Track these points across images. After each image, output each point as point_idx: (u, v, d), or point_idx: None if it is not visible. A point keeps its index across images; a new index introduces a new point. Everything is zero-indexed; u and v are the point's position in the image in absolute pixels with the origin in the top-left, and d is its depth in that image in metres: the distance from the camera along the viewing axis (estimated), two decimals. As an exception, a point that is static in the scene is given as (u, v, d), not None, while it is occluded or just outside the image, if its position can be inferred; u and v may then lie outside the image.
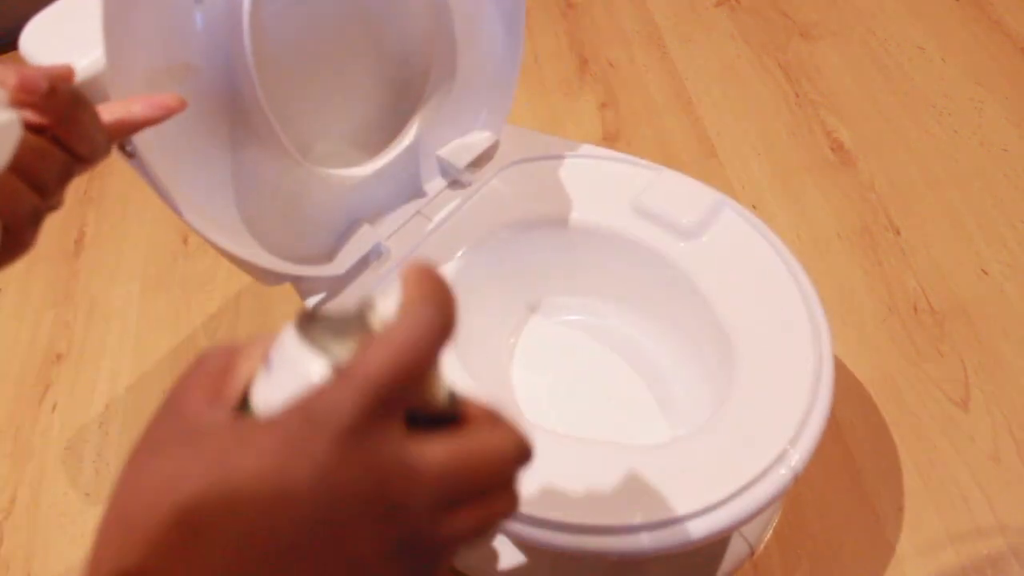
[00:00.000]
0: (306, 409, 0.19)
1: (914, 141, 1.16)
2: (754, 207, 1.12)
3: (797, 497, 0.84)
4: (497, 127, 0.74)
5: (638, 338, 0.76)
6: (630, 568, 0.78)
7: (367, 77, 0.65)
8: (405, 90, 0.68)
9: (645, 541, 0.50)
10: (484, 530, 0.22)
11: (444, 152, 0.73)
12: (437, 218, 0.71)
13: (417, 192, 0.73)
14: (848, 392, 0.92)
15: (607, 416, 0.72)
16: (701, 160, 1.20)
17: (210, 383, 0.22)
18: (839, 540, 0.82)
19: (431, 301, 0.21)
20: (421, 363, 0.20)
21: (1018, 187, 1.08)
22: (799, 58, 1.32)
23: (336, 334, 0.21)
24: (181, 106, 0.35)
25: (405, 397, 0.20)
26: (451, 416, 0.22)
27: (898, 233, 1.06)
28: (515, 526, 0.52)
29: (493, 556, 0.78)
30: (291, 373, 0.21)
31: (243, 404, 0.22)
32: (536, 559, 0.77)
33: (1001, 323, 0.95)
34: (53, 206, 0.32)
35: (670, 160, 1.21)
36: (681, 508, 0.50)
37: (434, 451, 0.20)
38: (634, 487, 0.52)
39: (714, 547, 0.77)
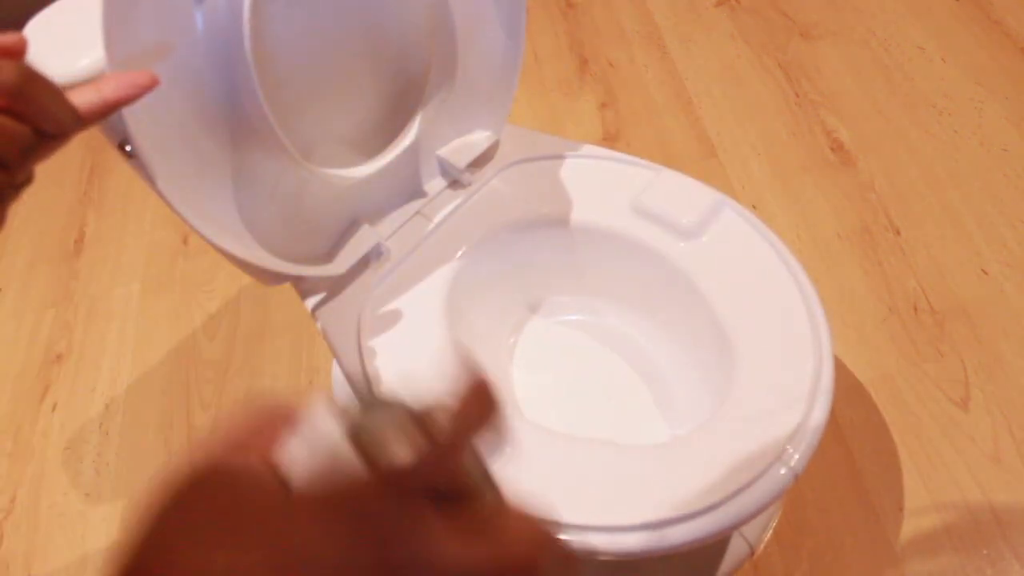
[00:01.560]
0: (354, 507, 0.19)
1: (914, 141, 1.16)
2: (754, 207, 1.12)
3: (797, 497, 0.84)
4: (497, 127, 0.74)
5: (638, 338, 0.76)
6: (630, 568, 0.78)
7: (368, 77, 0.65)
8: (406, 90, 0.68)
9: (645, 541, 0.50)
10: None
11: (444, 152, 0.73)
12: (437, 218, 0.71)
13: (417, 192, 0.73)
14: (848, 392, 0.92)
15: (607, 416, 0.72)
16: (701, 160, 1.20)
17: (252, 452, 0.22)
18: (839, 540, 0.82)
19: (472, 399, 0.21)
20: (455, 462, 0.21)
21: (1018, 187, 1.08)
22: (799, 58, 1.32)
23: (370, 410, 0.21)
24: (153, 83, 0.34)
25: (440, 487, 0.20)
26: (490, 516, 0.22)
27: (898, 233, 1.06)
28: (515, 526, 0.52)
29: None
30: (323, 445, 0.21)
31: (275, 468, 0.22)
32: (536, 559, 0.77)
33: (1001, 323, 0.95)
34: (22, 182, 0.32)
35: (670, 160, 1.21)
36: (681, 508, 0.50)
37: (462, 543, 0.20)
38: (634, 487, 0.52)
39: (714, 547, 0.77)
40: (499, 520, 0.22)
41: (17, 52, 0.31)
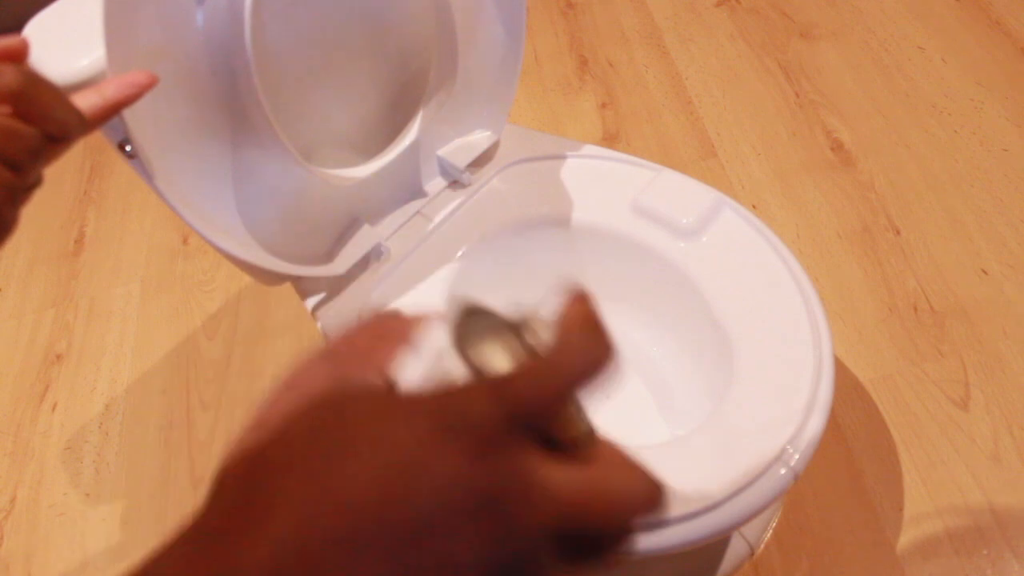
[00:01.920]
0: (442, 404, 0.19)
1: (914, 141, 1.16)
2: (754, 207, 1.12)
3: (797, 497, 0.84)
4: (498, 127, 0.74)
5: (638, 338, 0.76)
6: (630, 568, 0.78)
7: (368, 78, 0.65)
8: (406, 90, 0.68)
9: (645, 541, 0.50)
10: (589, 568, 0.21)
11: (444, 152, 0.73)
12: (437, 218, 0.71)
13: (417, 192, 0.73)
14: (848, 392, 0.92)
15: (607, 416, 0.72)
16: (701, 160, 1.20)
17: (368, 365, 0.22)
18: (839, 540, 0.82)
19: (592, 335, 0.21)
20: (569, 392, 0.20)
21: (1018, 187, 1.08)
22: (799, 58, 1.32)
23: (489, 332, 0.21)
24: (152, 81, 0.35)
25: (547, 421, 0.20)
26: (584, 448, 0.22)
27: (898, 233, 1.06)
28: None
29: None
30: (437, 364, 0.21)
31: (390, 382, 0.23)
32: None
33: (1001, 323, 0.95)
34: (31, 184, 0.32)
35: (670, 160, 1.21)
36: (681, 508, 0.50)
37: (561, 479, 0.20)
38: (634, 487, 0.52)
39: (714, 547, 0.77)
40: (597, 452, 0.22)
41: (19, 55, 0.31)
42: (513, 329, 0.22)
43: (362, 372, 0.22)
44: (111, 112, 0.34)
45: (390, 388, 0.21)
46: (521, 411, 0.19)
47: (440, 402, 0.19)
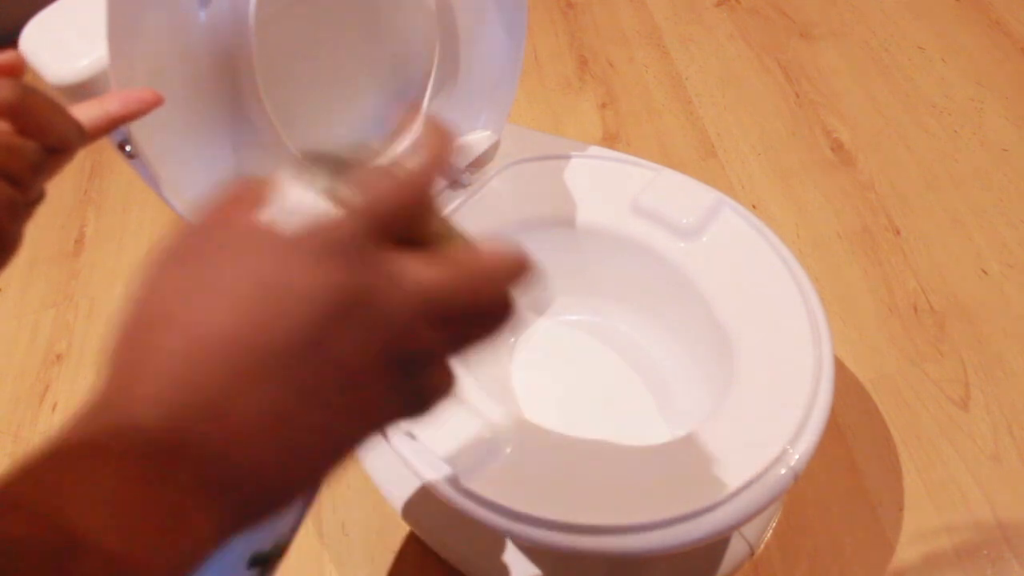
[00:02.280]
0: (311, 233, 0.20)
1: (914, 141, 1.16)
2: (754, 207, 1.12)
3: (797, 497, 0.84)
4: (498, 127, 0.74)
5: (638, 338, 0.76)
6: (630, 568, 0.78)
7: (369, 78, 0.65)
8: (407, 91, 0.68)
9: (645, 541, 0.50)
10: (476, 343, 0.23)
11: (444, 152, 0.73)
12: (437, 218, 0.71)
13: (417, 192, 0.73)
14: (848, 392, 0.92)
15: (607, 416, 0.72)
16: (701, 160, 1.20)
17: (246, 206, 0.23)
18: (839, 540, 0.82)
19: (430, 148, 0.23)
20: (418, 198, 0.22)
21: (1018, 187, 1.08)
22: (799, 58, 1.32)
23: (341, 167, 0.22)
24: (157, 100, 0.35)
25: (405, 227, 0.22)
26: (451, 245, 0.23)
27: (898, 233, 1.06)
28: (515, 526, 0.52)
29: (493, 556, 0.78)
30: (301, 206, 0.22)
31: None
32: (536, 559, 0.77)
33: (1001, 323, 0.95)
34: (34, 200, 0.32)
35: (670, 160, 1.21)
36: (681, 508, 0.50)
37: (425, 266, 0.21)
38: (634, 487, 0.52)
39: (714, 547, 0.77)
40: (470, 253, 0.23)
41: (16, 70, 0.31)
42: (362, 160, 0.23)
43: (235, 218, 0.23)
44: (112, 125, 0.34)
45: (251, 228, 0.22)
46: (377, 221, 0.21)
47: (301, 229, 0.20)
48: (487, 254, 0.23)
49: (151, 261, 0.21)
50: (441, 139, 0.24)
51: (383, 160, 0.23)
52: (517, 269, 0.23)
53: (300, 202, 0.21)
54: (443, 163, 0.23)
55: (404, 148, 0.23)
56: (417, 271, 0.21)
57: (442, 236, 0.23)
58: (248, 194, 0.22)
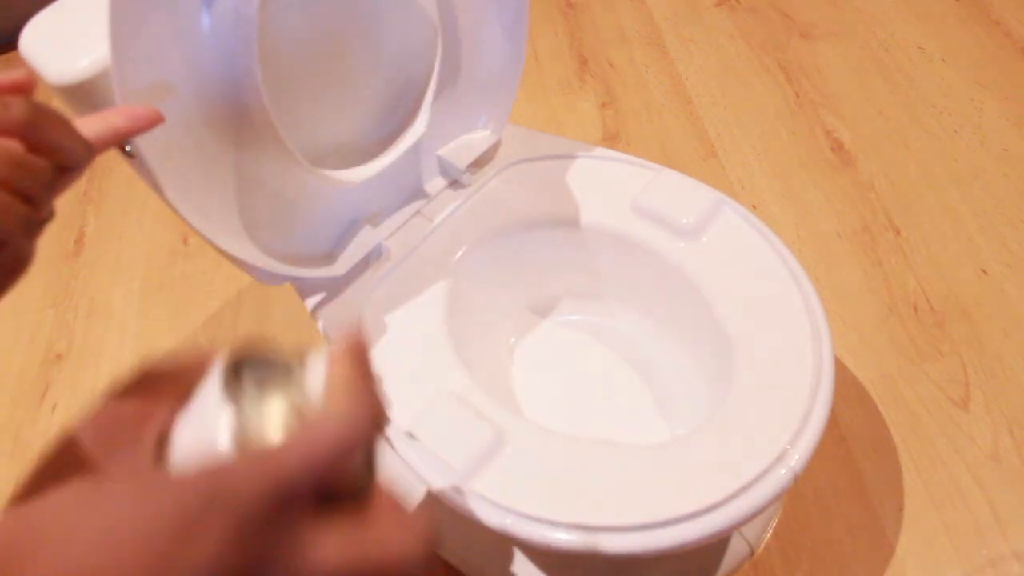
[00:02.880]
0: (211, 485, 0.19)
1: (914, 141, 1.16)
2: (754, 207, 1.12)
3: (797, 497, 0.84)
4: (498, 127, 0.74)
5: (638, 338, 0.76)
6: (630, 568, 0.78)
7: (370, 79, 0.65)
8: (408, 92, 0.68)
9: (645, 541, 0.50)
10: None
11: (445, 152, 0.73)
12: (438, 218, 0.71)
13: (418, 192, 0.73)
14: (848, 392, 0.92)
15: (607, 416, 0.72)
16: (701, 160, 1.20)
17: (136, 414, 0.22)
18: (839, 540, 0.82)
19: (358, 399, 0.21)
20: (336, 465, 0.20)
21: (1018, 187, 1.08)
22: (799, 58, 1.32)
23: (260, 388, 0.21)
24: (158, 119, 0.35)
25: (313, 489, 0.20)
26: (360, 500, 0.22)
27: (898, 233, 1.06)
28: (515, 526, 0.52)
29: (492, 556, 0.78)
30: (208, 426, 0.21)
31: (163, 441, 0.22)
32: (536, 559, 0.77)
33: (1001, 323, 0.95)
34: (45, 217, 0.32)
35: (670, 160, 1.21)
36: (681, 508, 0.50)
37: (330, 548, 0.20)
38: (634, 487, 0.52)
39: (714, 547, 0.77)
40: (372, 505, 0.22)
41: (27, 88, 0.31)
42: (287, 380, 0.22)
43: (126, 446, 0.22)
44: (117, 141, 0.34)
45: (154, 463, 0.21)
46: (284, 488, 0.19)
47: (203, 481, 0.19)
48: (396, 533, 0.22)
49: (46, 475, 0.20)
50: (364, 375, 0.22)
51: (316, 381, 0.22)
52: (419, 558, 0.22)
53: (212, 424, 0.21)
54: (372, 413, 0.22)
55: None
56: (325, 552, 0.20)
57: (351, 486, 0.22)
58: (162, 392, 0.21)
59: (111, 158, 1.40)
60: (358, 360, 0.23)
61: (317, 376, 0.22)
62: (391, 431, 0.57)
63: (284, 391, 0.22)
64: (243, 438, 0.21)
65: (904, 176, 1.12)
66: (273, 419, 0.21)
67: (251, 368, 0.22)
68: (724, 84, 1.30)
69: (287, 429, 0.21)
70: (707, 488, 0.51)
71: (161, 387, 0.23)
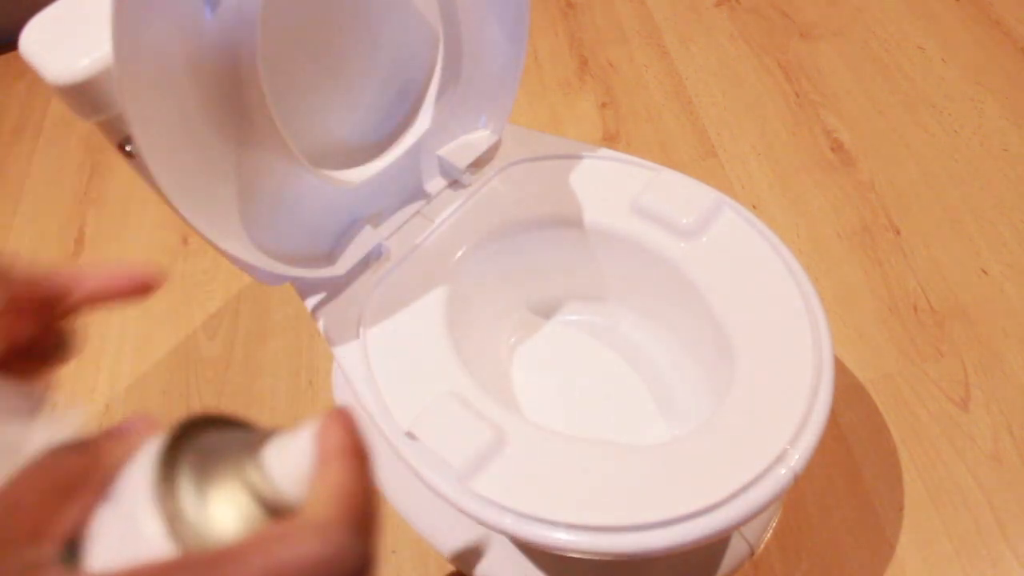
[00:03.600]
0: None
1: (914, 141, 1.16)
2: (754, 207, 1.12)
3: (797, 497, 0.84)
4: (499, 127, 0.74)
5: (638, 338, 0.76)
6: (630, 568, 0.78)
7: (371, 79, 0.65)
8: (408, 92, 0.68)
9: (645, 541, 0.50)
10: None
11: (445, 152, 0.73)
12: (438, 218, 0.71)
13: (418, 192, 0.73)
14: (848, 392, 0.92)
15: (607, 416, 0.72)
16: (701, 160, 1.20)
17: (43, 505, 0.18)
18: (839, 540, 0.82)
19: (350, 503, 0.17)
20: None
21: (1018, 187, 1.08)
22: (799, 58, 1.32)
23: (201, 486, 0.17)
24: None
25: None
26: None
27: (898, 233, 1.06)
28: (515, 526, 0.52)
29: (492, 556, 0.78)
30: (131, 535, 0.16)
31: (73, 545, 0.18)
32: (536, 559, 0.77)
33: (1001, 323, 0.95)
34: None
35: (670, 160, 1.21)
36: (681, 508, 0.50)
37: None
38: (634, 487, 0.52)
39: (714, 547, 0.77)
40: None
41: (43, 286, 0.28)
42: (245, 456, 0.17)
43: (23, 548, 0.17)
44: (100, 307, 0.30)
45: (59, 568, 0.17)
46: None
47: None
48: None
49: None
50: (353, 466, 0.17)
51: (279, 475, 0.17)
52: None
53: (136, 534, 0.16)
54: (365, 527, 0.17)
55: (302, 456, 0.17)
56: None
57: None
58: (74, 482, 0.18)
59: (111, 158, 1.40)
60: (351, 448, 0.18)
61: (288, 455, 0.17)
62: (391, 432, 0.57)
63: (238, 471, 0.17)
64: (181, 531, 0.16)
65: (904, 176, 1.12)
66: (222, 508, 0.16)
67: (197, 441, 0.17)
68: (724, 84, 1.30)
69: (246, 522, 0.16)
70: (707, 488, 0.51)
71: (66, 477, 0.18)
